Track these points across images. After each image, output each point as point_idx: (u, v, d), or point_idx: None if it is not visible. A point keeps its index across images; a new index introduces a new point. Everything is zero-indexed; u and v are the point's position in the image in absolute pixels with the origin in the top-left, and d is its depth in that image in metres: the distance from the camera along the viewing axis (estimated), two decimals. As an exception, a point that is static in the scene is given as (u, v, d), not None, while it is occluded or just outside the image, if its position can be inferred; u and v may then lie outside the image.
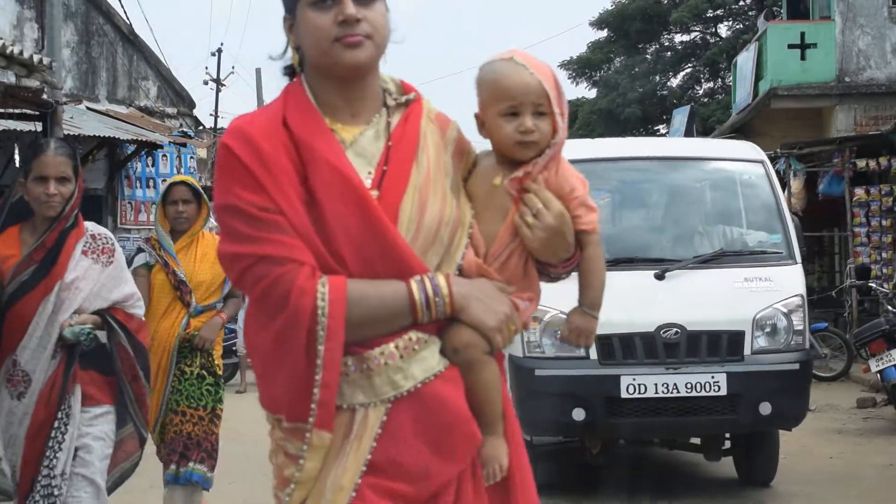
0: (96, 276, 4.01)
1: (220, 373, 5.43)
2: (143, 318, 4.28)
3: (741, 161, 7.23)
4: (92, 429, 3.97)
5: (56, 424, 3.86)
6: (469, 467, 1.99)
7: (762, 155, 7.24)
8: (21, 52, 8.88)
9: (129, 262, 5.28)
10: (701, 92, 32.66)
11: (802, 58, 16.73)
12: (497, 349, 2.00)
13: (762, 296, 6.34)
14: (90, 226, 4.09)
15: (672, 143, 10.55)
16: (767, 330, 6.31)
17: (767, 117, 17.38)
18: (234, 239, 1.93)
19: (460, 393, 1.96)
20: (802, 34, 16.89)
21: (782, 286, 6.42)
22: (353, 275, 1.91)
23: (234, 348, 12.56)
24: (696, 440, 7.02)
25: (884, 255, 13.63)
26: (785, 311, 6.33)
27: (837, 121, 16.41)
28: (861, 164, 13.57)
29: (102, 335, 4.01)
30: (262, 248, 1.89)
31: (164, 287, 5.29)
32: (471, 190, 2.08)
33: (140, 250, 5.43)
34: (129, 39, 18.32)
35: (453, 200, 2.02)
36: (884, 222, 13.64)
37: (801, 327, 6.35)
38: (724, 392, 6.11)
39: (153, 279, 5.31)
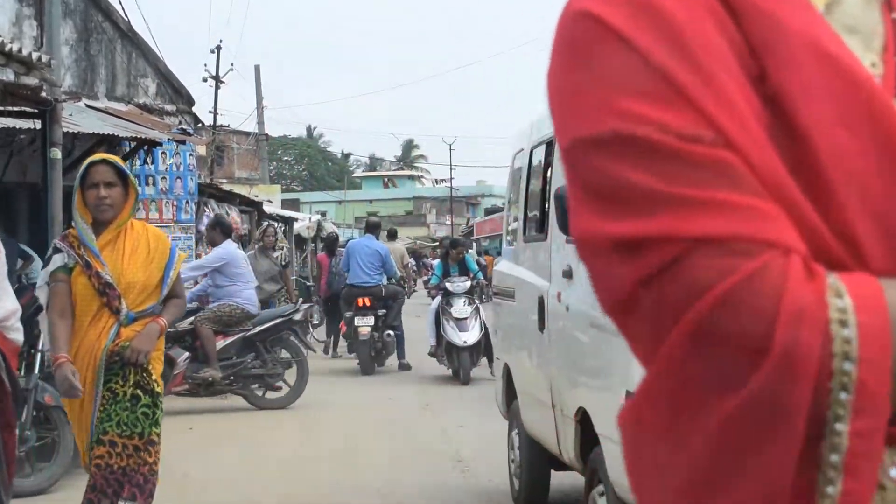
0: None
1: (160, 390, 4.53)
2: (20, 344, 3.42)
3: None
4: None
5: None
6: None
7: None
8: (20, 50, 8.84)
9: (46, 264, 4.58)
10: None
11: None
12: None
13: None
14: None
15: None
16: None
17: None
18: (622, 205, 0.91)
19: None
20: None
21: None
22: (874, 270, 0.92)
23: None
24: None
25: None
26: None
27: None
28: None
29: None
30: (698, 223, 0.88)
31: (88, 292, 4.40)
32: None
33: (56, 250, 4.48)
34: (128, 37, 18.30)
35: None
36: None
37: None
38: None
39: (74, 284, 4.41)
